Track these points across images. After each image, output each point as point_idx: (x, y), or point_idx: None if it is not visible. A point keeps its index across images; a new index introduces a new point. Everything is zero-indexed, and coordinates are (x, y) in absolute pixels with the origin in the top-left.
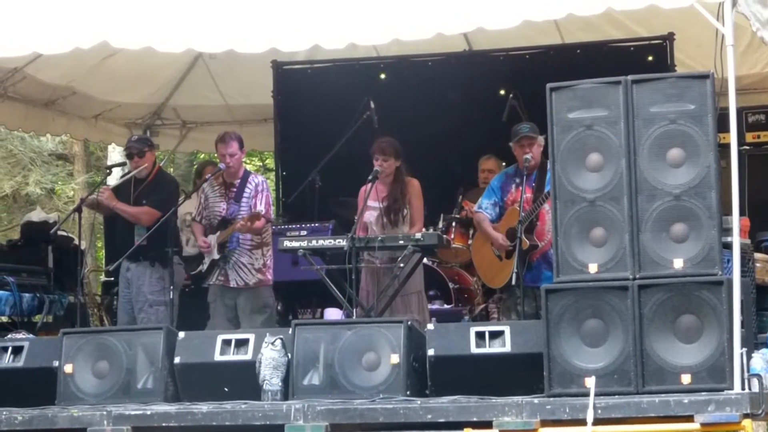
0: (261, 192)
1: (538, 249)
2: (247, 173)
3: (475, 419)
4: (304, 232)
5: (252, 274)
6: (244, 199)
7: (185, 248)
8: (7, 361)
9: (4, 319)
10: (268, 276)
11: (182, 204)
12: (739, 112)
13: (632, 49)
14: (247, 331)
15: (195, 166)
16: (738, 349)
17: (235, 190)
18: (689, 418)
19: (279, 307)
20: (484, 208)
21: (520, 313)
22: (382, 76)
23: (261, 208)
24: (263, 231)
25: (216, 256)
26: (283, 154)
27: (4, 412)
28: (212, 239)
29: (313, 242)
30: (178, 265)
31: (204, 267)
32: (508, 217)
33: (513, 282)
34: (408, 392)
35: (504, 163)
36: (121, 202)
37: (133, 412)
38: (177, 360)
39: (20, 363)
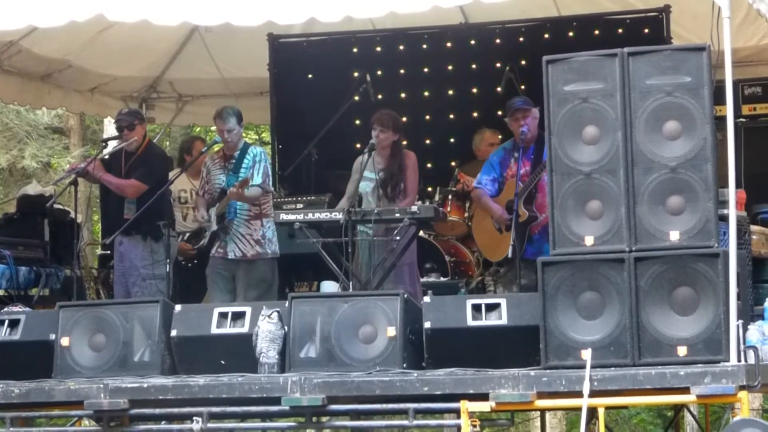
0: (259, 162)
1: (539, 221)
2: (246, 145)
3: (471, 391)
4: (300, 205)
5: (250, 245)
6: (242, 170)
7: (184, 224)
8: (4, 334)
9: (1, 292)
10: (267, 249)
11: (175, 180)
12: (736, 84)
13: (628, 21)
14: (243, 304)
15: (180, 142)
16: (734, 322)
17: (233, 161)
18: (685, 390)
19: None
20: (483, 184)
21: (521, 285)
22: (378, 49)
23: (258, 177)
24: (262, 202)
25: (215, 227)
26: (280, 127)
27: (1, 385)
28: (211, 212)
29: (310, 215)
30: (173, 238)
31: (205, 241)
32: (508, 190)
33: (510, 255)
34: (404, 365)
35: (500, 136)
36: (109, 173)
37: (129, 385)
38: (174, 333)
39: (17, 336)
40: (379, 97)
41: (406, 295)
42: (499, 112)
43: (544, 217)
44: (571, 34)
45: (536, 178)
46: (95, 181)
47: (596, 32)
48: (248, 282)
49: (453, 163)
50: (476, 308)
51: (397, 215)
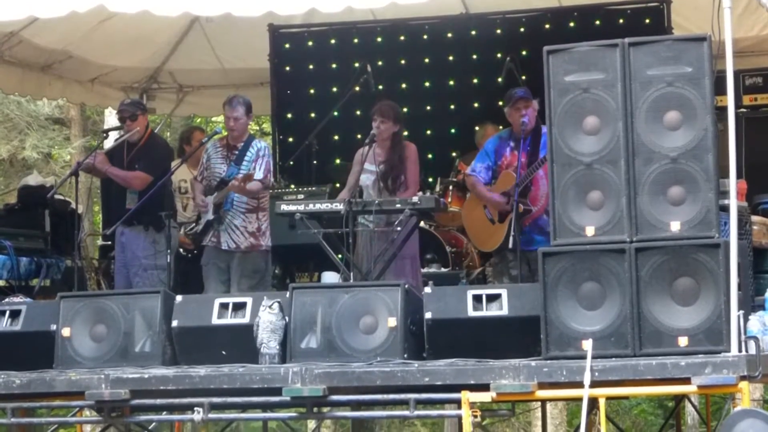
0: (262, 157)
1: (531, 214)
2: (251, 137)
3: (472, 382)
4: (301, 196)
5: (244, 237)
6: (244, 163)
7: (184, 214)
8: (5, 324)
9: (2, 283)
10: (261, 242)
11: (176, 171)
12: (736, 74)
13: (629, 11)
14: (244, 294)
15: (180, 133)
16: (735, 312)
17: (237, 152)
18: (686, 381)
19: (276, 271)
20: (477, 172)
21: (512, 276)
22: (379, 39)
23: (260, 173)
24: (260, 196)
25: (211, 216)
26: (280, 118)
27: (2, 376)
28: (209, 200)
29: (310, 206)
30: (174, 228)
31: (199, 228)
32: (502, 180)
33: (511, 246)
34: (405, 355)
35: (501, 127)
36: (113, 166)
37: (130, 376)
38: (174, 323)
39: (18, 327)
40: (380, 87)
41: (407, 286)
42: (500, 103)
43: (536, 210)
44: (571, 24)
45: (533, 173)
46: (101, 174)
47: (597, 22)
48: (242, 272)
49: (453, 154)
50: (477, 299)
51: (398, 206)
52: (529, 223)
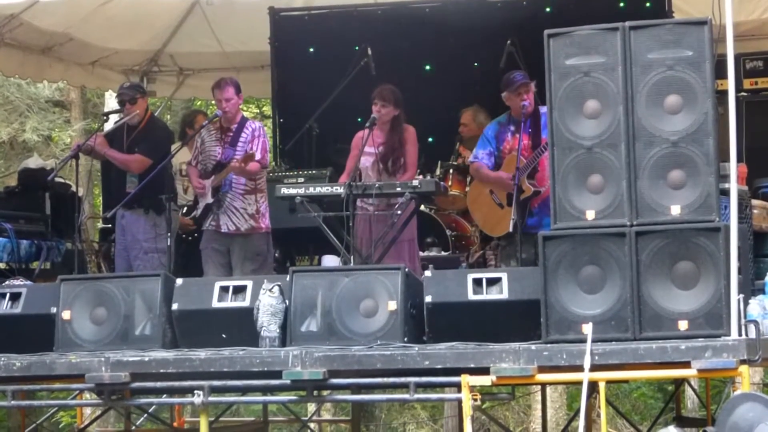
0: (258, 137)
1: (540, 195)
2: (244, 119)
3: (472, 365)
4: (301, 179)
5: (244, 219)
6: (240, 144)
7: (185, 197)
8: (5, 307)
9: (2, 265)
10: (261, 223)
11: (176, 153)
12: (737, 58)
13: None
14: (245, 277)
15: (182, 116)
16: (735, 296)
17: (231, 134)
18: (686, 365)
19: (277, 254)
20: (480, 159)
21: (522, 260)
22: (380, 23)
23: (257, 153)
24: (257, 176)
25: (210, 200)
26: (281, 102)
27: (3, 358)
28: (207, 183)
29: (311, 189)
30: (175, 211)
31: (198, 212)
32: (508, 164)
33: (511, 229)
34: (405, 339)
35: (487, 112)
36: (113, 149)
37: (131, 359)
38: (175, 307)
39: (18, 309)
40: (380, 71)
41: (407, 269)
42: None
43: (545, 190)
44: (572, 7)
45: (540, 154)
46: (100, 157)
47: (598, 6)
48: (245, 255)
49: (454, 138)
50: (477, 282)
51: (399, 189)
52: (539, 204)
